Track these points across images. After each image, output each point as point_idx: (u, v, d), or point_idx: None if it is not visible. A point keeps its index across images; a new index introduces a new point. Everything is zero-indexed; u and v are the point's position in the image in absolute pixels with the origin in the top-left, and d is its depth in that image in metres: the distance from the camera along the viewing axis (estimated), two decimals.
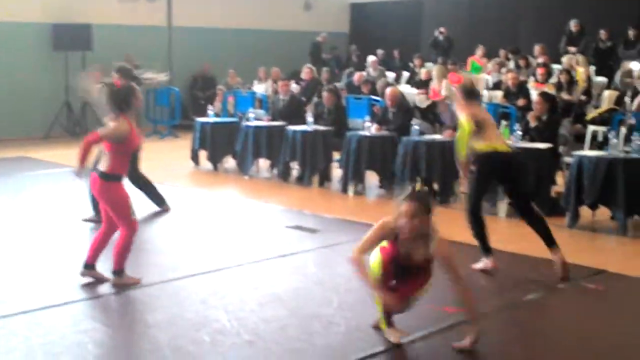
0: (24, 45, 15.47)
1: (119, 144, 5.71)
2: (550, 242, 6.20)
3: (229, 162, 11.78)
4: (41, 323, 5.04)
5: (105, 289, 5.77)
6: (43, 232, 7.56)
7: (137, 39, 16.36)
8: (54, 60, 15.70)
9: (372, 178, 10.01)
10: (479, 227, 6.36)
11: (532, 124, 8.84)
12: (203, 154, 11.76)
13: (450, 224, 8.16)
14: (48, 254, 6.70)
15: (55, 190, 9.61)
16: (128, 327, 5.05)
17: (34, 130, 15.39)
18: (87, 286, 5.83)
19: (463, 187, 9.38)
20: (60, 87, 15.56)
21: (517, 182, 6.48)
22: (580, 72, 12.88)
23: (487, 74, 15.11)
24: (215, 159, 11.65)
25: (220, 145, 11.61)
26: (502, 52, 15.61)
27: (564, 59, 13.82)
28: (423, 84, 14.23)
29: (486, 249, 6.32)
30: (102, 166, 5.73)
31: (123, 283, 5.82)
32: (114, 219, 5.80)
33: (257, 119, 11.54)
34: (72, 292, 5.73)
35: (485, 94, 13.70)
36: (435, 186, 9.27)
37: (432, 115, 13.34)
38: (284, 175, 10.71)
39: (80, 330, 5.02)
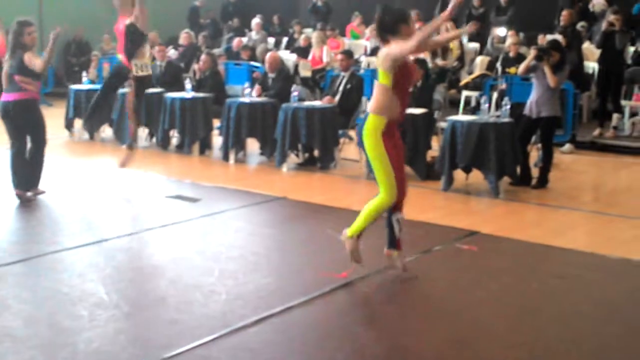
0: None
1: None
2: None
3: (106, 131, 11.49)
4: None
5: None
6: None
7: (4, 2, 15.60)
8: None
9: (253, 145, 10.00)
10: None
11: (414, 88, 9.02)
12: (78, 123, 11.41)
13: (331, 189, 8.32)
14: None
15: None
16: (1, 303, 4.88)
17: None
18: None
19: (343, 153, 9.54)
20: None
21: None
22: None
23: (365, 39, 15.29)
24: (91, 128, 11.34)
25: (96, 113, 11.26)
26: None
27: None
28: (302, 51, 14.26)
29: None
30: None
31: None
32: None
33: None
34: None
35: (363, 60, 13.89)
36: (316, 152, 9.36)
37: (312, 81, 13.44)
38: (164, 143, 10.56)
39: None
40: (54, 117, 12.79)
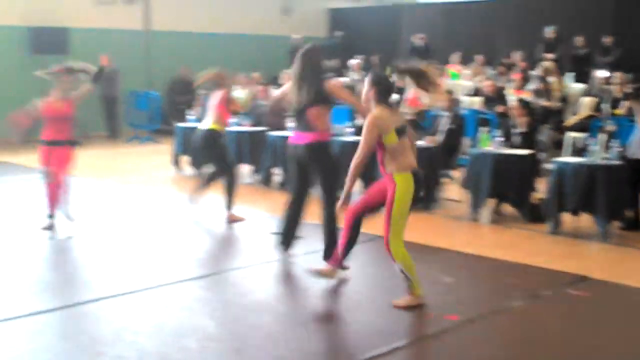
0: (1, 48, 15.39)
1: None
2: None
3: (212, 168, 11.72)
4: (28, 330, 5.00)
5: (87, 295, 5.74)
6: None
7: (114, 43, 16.27)
8: (31, 64, 15.54)
9: (356, 183, 9.99)
10: None
11: (519, 129, 8.87)
12: (185, 160, 11.74)
13: (433, 229, 8.24)
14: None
15: (31, 195, 9.52)
16: (115, 335, 5.01)
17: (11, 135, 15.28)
18: (64, 293, 5.81)
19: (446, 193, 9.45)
20: (37, 91, 15.42)
21: None
22: (554, 81, 13.00)
23: (466, 79, 15.20)
24: (197, 164, 11.60)
25: None
26: (478, 58, 15.65)
27: (544, 65, 13.94)
28: (397, 91, 14.25)
29: None
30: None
31: None
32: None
33: (238, 124, 11.51)
34: (48, 301, 5.68)
35: (465, 100, 13.81)
36: (420, 193, 9.29)
37: (414, 121, 13.40)
38: (266, 181, 10.70)
39: (65, 337, 4.99)
40: (161, 153, 13.23)
